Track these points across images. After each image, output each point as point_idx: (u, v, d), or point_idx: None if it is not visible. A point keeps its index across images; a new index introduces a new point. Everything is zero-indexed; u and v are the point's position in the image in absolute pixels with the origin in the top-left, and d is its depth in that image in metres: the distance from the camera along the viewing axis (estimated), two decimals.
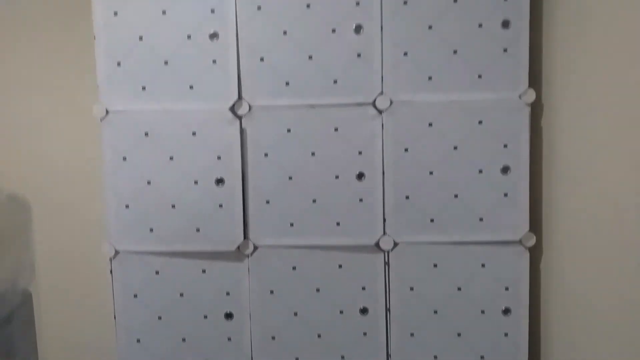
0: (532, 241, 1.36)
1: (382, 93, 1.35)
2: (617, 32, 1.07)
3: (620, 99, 1.07)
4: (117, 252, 1.40)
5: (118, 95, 1.37)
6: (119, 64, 1.36)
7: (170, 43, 1.36)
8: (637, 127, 1.02)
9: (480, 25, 1.32)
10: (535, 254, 1.39)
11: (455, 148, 1.35)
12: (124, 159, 1.37)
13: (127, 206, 1.38)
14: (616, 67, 1.08)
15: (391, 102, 1.34)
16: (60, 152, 1.56)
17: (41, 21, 1.53)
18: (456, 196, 1.36)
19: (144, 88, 1.36)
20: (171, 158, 1.37)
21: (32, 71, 1.54)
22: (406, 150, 1.35)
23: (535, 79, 1.35)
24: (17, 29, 1.54)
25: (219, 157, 1.37)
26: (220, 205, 1.37)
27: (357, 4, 1.34)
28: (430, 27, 1.33)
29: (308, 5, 1.34)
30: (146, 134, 1.37)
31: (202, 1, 1.35)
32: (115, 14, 1.35)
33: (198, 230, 1.38)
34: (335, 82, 1.35)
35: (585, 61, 1.18)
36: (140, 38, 1.36)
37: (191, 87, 1.36)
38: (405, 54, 1.34)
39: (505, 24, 1.31)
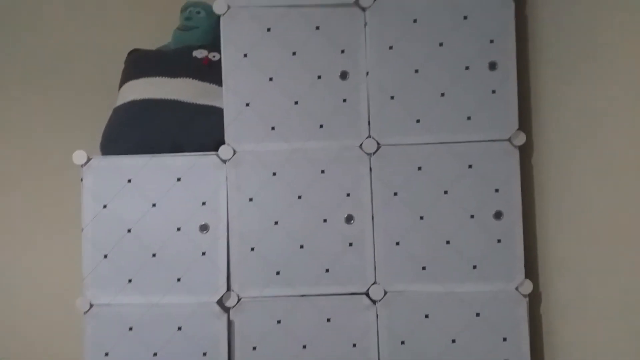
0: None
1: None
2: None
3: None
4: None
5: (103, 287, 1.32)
6: (105, 256, 1.33)
7: (160, 235, 1.32)
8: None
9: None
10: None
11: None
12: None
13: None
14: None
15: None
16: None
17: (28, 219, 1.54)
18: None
19: (130, 281, 1.32)
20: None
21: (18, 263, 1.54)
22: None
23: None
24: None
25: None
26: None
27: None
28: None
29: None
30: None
31: (194, 196, 1.33)
32: (105, 206, 1.33)
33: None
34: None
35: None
36: (129, 230, 1.32)
37: (178, 280, 1.32)
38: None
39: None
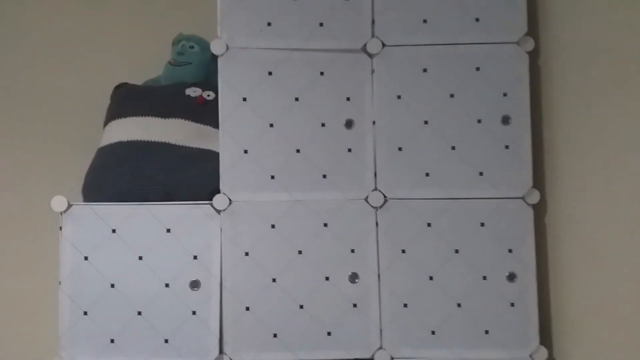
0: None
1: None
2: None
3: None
4: None
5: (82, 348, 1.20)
6: (85, 313, 1.20)
7: (146, 291, 1.21)
8: None
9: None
10: None
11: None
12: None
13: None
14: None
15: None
16: None
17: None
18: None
19: (112, 341, 1.20)
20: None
21: None
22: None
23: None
24: None
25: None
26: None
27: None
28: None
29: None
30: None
31: (184, 249, 1.23)
32: (86, 258, 1.21)
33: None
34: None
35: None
36: (112, 285, 1.21)
37: (166, 341, 1.21)
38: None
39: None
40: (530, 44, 1.27)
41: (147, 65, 1.49)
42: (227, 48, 1.27)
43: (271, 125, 1.26)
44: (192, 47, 1.43)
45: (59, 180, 1.40)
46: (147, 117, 1.34)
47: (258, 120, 1.27)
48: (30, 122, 1.49)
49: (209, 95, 1.36)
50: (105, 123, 1.37)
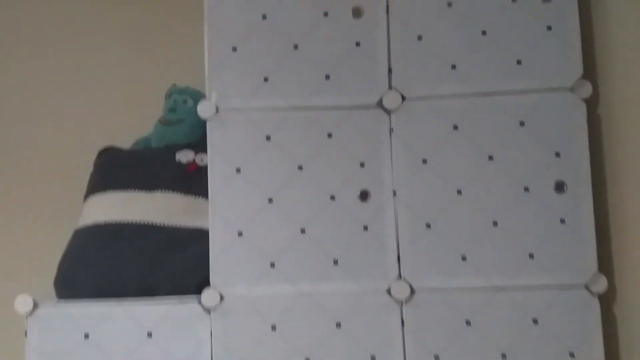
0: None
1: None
2: None
3: None
4: None
5: None
6: None
7: None
8: None
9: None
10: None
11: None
12: None
13: None
14: None
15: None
16: None
17: None
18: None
19: None
20: None
21: None
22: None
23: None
24: None
25: None
26: None
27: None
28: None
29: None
30: None
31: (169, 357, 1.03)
32: None
33: None
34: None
35: None
36: None
37: None
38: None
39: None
40: (587, 90, 1.04)
41: (139, 122, 1.30)
42: (217, 110, 1.07)
43: (270, 201, 1.05)
44: (185, 101, 1.24)
45: (26, 273, 1.22)
46: (129, 191, 1.16)
47: (255, 195, 1.06)
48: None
49: (202, 160, 1.16)
50: (86, 196, 1.20)
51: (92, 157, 1.23)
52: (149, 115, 1.26)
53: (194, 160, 1.18)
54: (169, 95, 1.27)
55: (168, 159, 1.18)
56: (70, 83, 1.37)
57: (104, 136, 1.28)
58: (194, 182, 1.16)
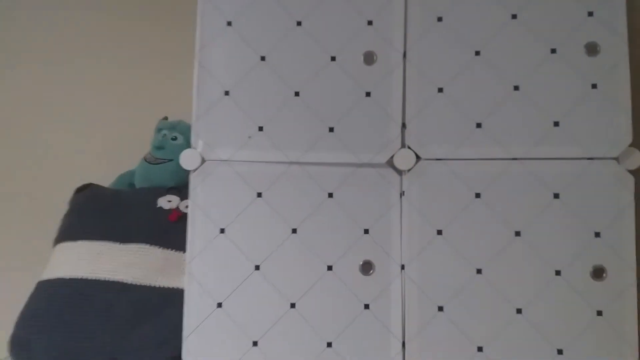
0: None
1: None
2: None
3: None
4: None
5: None
6: None
7: None
8: None
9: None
10: None
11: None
12: None
13: None
14: None
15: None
16: None
17: None
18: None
19: None
20: None
21: None
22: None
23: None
24: None
25: None
26: None
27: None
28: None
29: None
30: None
31: None
32: None
33: None
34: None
35: None
36: None
37: None
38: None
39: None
40: (636, 160, 0.88)
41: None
42: (203, 161, 0.93)
43: (257, 268, 0.91)
44: (174, 138, 1.11)
45: None
46: (101, 241, 1.02)
47: (240, 262, 0.92)
48: None
49: (187, 207, 1.02)
50: (55, 241, 1.06)
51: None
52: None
53: (178, 207, 1.04)
54: (158, 130, 1.13)
55: (148, 205, 1.04)
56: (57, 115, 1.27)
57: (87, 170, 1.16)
58: (174, 233, 1.01)
